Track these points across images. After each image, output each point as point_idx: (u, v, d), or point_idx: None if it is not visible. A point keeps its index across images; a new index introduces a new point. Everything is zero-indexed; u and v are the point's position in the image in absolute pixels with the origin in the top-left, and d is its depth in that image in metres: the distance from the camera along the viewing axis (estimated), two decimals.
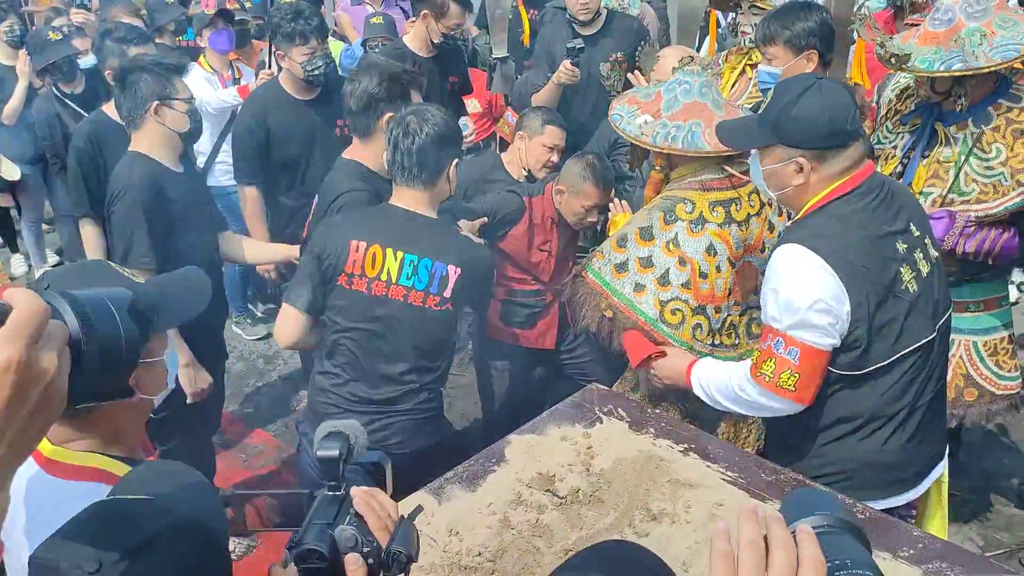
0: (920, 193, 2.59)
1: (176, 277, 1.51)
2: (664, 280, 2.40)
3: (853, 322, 1.92)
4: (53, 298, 0.84)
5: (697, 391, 2.23)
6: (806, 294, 1.90)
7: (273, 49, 3.75)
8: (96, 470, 1.32)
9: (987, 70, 2.36)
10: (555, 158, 3.33)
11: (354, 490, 1.31)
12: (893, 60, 2.46)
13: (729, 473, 1.97)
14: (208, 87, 4.52)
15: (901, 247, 1.97)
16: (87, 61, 4.61)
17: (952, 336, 2.71)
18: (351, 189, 2.69)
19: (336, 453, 1.29)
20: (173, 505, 1.04)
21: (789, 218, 2.49)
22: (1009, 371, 2.74)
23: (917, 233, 2.03)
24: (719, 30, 5.39)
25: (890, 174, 2.68)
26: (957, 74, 2.39)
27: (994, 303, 2.72)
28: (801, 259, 1.93)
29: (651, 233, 2.44)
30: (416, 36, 4.16)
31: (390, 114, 2.68)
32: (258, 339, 5.01)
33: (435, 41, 4.05)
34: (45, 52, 4.43)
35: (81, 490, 1.29)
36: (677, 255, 2.39)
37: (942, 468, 2.21)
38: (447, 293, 2.41)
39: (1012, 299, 4.58)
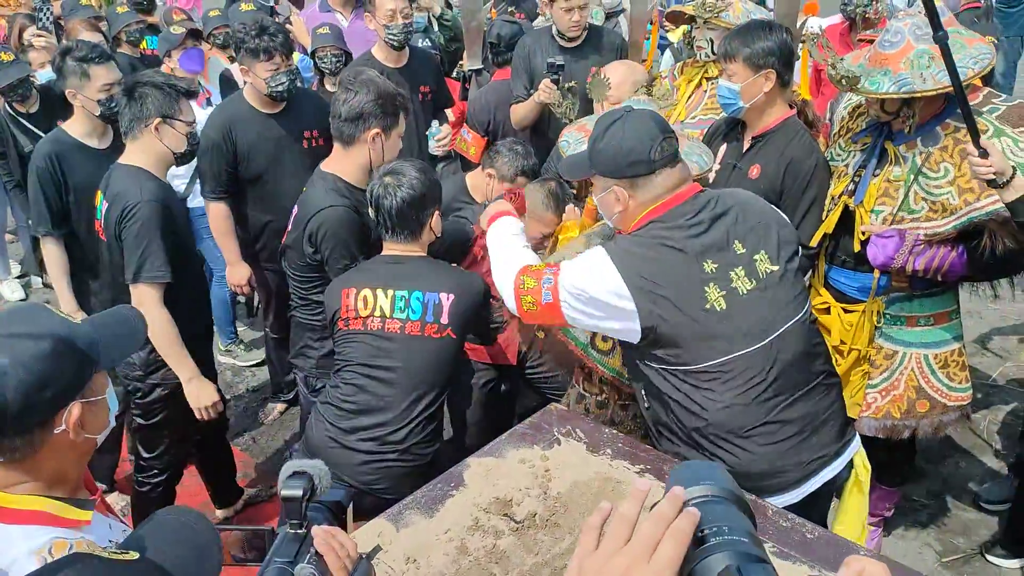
0: (871, 211, 2.65)
1: (111, 316, 1.52)
2: None
3: (645, 322, 2.02)
4: None
5: (490, 242, 2.41)
6: (583, 280, 2.07)
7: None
8: (38, 512, 1.33)
9: (933, 93, 2.42)
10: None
11: (315, 529, 1.35)
12: (843, 82, 2.51)
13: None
14: None
15: (710, 267, 2.05)
16: (44, 73, 4.57)
17: (904, 349, 2.78)
18: (331, 205, 2.76)
19: (299, 493, 1.34)
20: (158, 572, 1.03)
21: None
22: (960, 383, 2.80)
23: (742, 251, 2.09)
24: (676, 44, 5.47)
25: (842, 192, 2.74)
26: (905, 96, 2.44)
27: (944, 317, 2.77)
28: (598, 257, 2.08)
29: None
30: (381, 46, 4.16)
31: (377, 130, 2.79)
32: (255, 364, 4.95)
33: (384, 38, 4.04)
34: None
35: (23, 533, 1.30)
36: None
37: (836, 469, 2.21)
38: (444, 319, 2.54)
39: None
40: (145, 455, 3.16)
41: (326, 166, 2.91)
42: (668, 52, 5.53)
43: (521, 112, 4.08)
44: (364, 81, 2.82)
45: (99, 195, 3.01)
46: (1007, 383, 4.47)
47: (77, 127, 3.40)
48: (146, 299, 2.81)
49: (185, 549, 1.12)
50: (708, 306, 2.03)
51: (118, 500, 3.66)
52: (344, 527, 1.51)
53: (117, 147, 3.35)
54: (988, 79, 3.74)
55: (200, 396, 2.94)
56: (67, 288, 3.41)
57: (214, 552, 1.15)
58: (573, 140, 2.59)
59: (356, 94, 2.77)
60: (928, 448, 3.82)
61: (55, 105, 4.37)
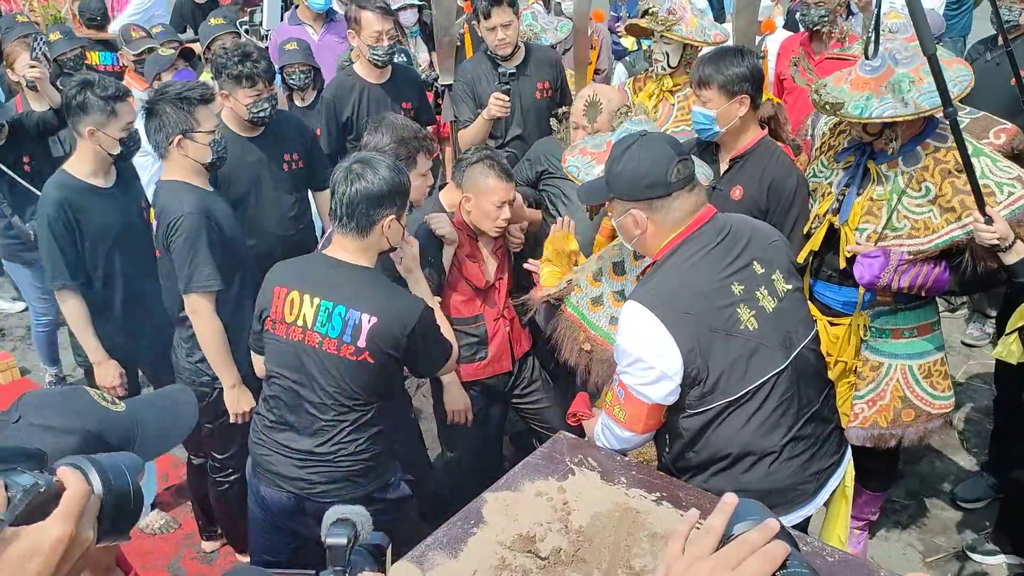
0: (856, 229, 2.73)
1: (160, 402, 1.46)
2: None
3: (689, 365, 2.08)
4: (84, 464, 0.98)
5: (598, 441, 2.38)
6: (633, 350, 2.12)
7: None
8: None
9: (915, 116, 2.50)
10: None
11: None
12: (827, 107, 2.58)
13: (702, 520, 2.04)
14: None
15: (738, 289, 2.12)
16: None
17: (889, 361, 2.88)
18: None
19: (344, 541, 1.38)
20: None
21: None
22: (942, 391, 2.90)
23: (762, 270, 2.18)
24: (629, 58, 5.54)
25: (826, 210, 2.82)
26: (888, 120, 2.52)
27: (927, 328, 2.87)
28: (637, 316, 2.12)
29: (623, 268, 2.56)
30: (362, 63, 4.15)
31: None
32: None
33: (369, 58, 4.04)
34: None
35: None
36: None
37: (841, 474, 2.34)
38: (361, 343, 2.39)
39: (977, 335, 4.87)
40: (219, 456, 3.27)
41: None
42: (621, 66, 5.58)
43: (470, 136, 4.06)
44: (381, 124, 2.93)
45: (152, 212, 3.08)
46: (970, 380, 4.64)
47: (83, 167, 3.22)
48: (199, 307, 2.93)
49: (161, 415, 1.37)
50: (742, 327, 2.10)
51: (157, 518, 3.75)
52: (384, 570, 1.53)
53: (121, 183, 3.33)
54: None
55: (240, 402, 3.06)
56: (92, 337, 3.28)
57: (186, 420, 1.42)
58: (582, 164, 2.62)
59: (373, 138, 2.90)
60: (904, 449, 3.95)
61: (23, 140, 4.22)
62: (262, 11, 4.03)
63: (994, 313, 4.95)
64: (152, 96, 2.96)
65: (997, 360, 3.47)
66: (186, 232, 2.86)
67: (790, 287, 2.21)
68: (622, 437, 2.26)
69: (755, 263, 2.16)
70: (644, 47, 4.29)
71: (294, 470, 2.50)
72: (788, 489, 2.18)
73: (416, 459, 3.23)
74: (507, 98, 3.89)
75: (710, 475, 2.20)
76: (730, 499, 1.01)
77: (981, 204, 2.41)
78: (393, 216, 2.46)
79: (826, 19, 4.56)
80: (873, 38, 2.62)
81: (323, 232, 3.90)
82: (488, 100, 3.99)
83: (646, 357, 2.09)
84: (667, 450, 2.29)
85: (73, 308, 3.25)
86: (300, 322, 2.44)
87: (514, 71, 3.92)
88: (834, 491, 2.34)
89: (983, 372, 4.68)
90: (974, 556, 3.36)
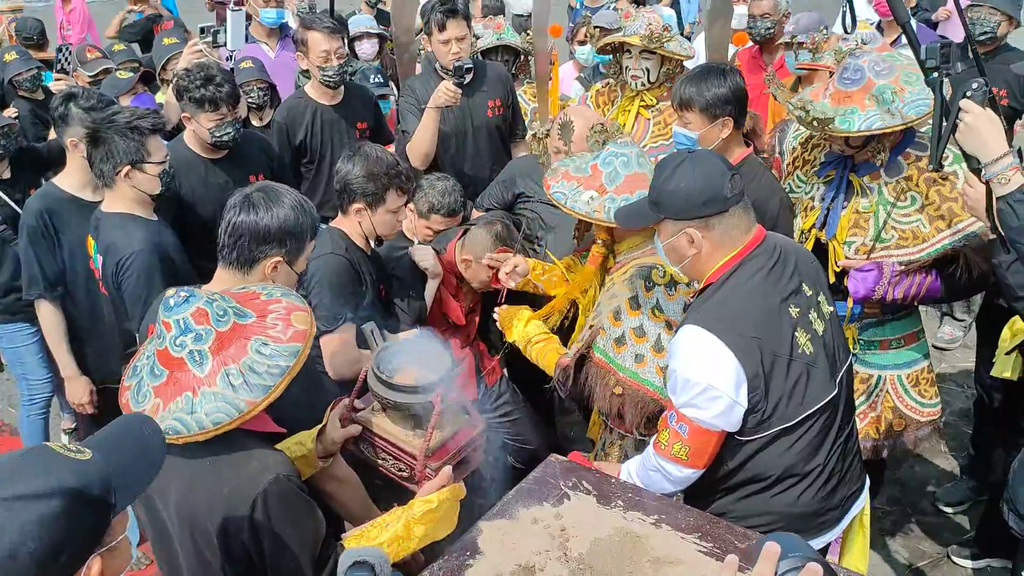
0: (844, 243, 2.72)
1: (124, 437, 1.35)
2: (658, 347, 2.44)
3: (752, 391, 2.01)
4: None
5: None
6: (700, 378, 2.01)
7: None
8: None
9: (903, 126, 2.50)
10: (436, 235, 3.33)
11: None
12: (816, 123, 2.57)
13: (704, 543, 2.00)
14: None
15: (794, 312, 2.07)
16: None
17: (879, 372, 2.88)
18: (333, 252, 2.77)
19: None
20: None
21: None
22: (930, 399, 2.91)
23: (810, 292, 2.13)
24: (582, 74, 5.53)
25: (812, 225, 2.81)
26: (877, 132, 2.52)
27: (913, 337, 2.88)
28: (699, 341, 2.02)
29: (638, 302, 2.49)
30: (315, 84, 4.05)
31: (360, 206, 2.79)
32: None
33: (320, 79, 3.94)
34: None
35: None
36: (663, 320, 2.45)
37: (862, 502, 2.33)
38: None
39: (948, 338, 4.94)
40: None
41: (334, 224, 2.95)
42: (576, 82, 5.56)
43: (419, 140, 3.86)
44: (355, 154, 2.83)
45: (90, 242, 2.90)
46: (945, 383, 4.68)
47: (71, 180, 3.22)
48: None
49: (132, 451, 1.31)
50: (800, 351, 2.04)
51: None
52: None
53: None
54: None
55: None
56: (66, 352, 3.24)
57: (157, 453, 1.35)
58: (568, 191, 2.54)
59: (344, 167, 2.81)
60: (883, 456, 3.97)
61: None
62: (225, 31, 3.90)
63: (962, 317, 5.03)
64: (98, 122, 2.81)
65: (977, 364, 3.51)
66: (138, 271, 2.73)
67: (831, 309, 2.17)
68: (680, 478, 2.16)
69: (804, 285, 2.10)
70: (610, 61, 4.25)
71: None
72: (816, 514, 2.14)
73: None
74: (458, 90, 3.75)
75: (741, 497, 2.15)
76: (773, 548, 0.99)
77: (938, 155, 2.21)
78: (280, 258, 2.22)
79: (772, 31, 4.60)
80: (849, 11, 2.63)
81: None
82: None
83: (717, 384, 1.99)
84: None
85: (47, 318, 3.22)
86: None
87: (470, 66, 3.82)
88: (852, 520, 2.30)
89: (956, 375, 4.74)
90: (959, 561, 3.38)
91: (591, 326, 2.52)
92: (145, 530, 2.02)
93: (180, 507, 1.86)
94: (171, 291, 1.84)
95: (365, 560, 1.34)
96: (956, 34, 5.01)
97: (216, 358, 1.77)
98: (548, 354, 2.66)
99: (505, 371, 3.42)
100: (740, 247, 2.06)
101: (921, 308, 3.19)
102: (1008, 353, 2.72)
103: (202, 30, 4.03)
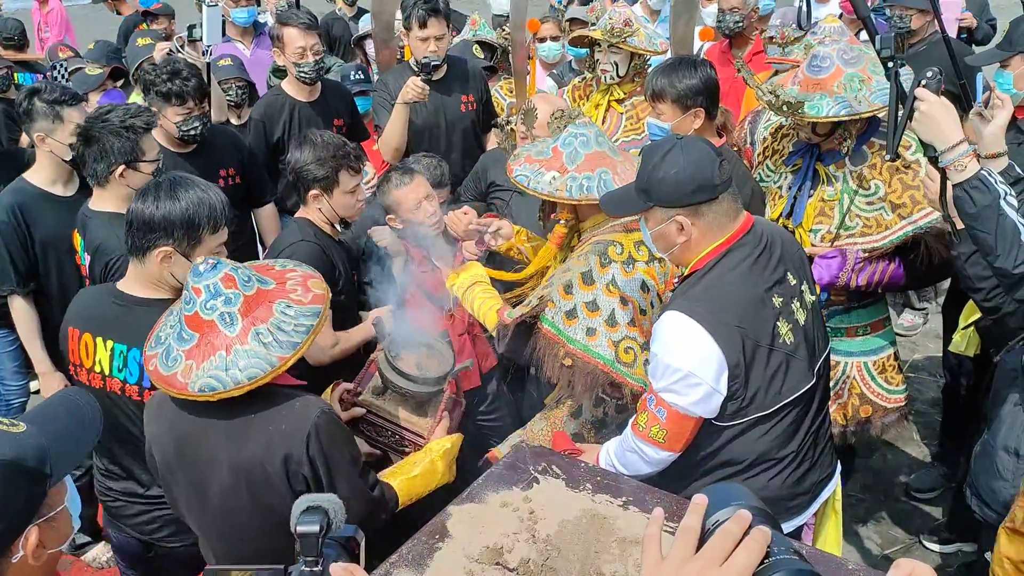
0: (810, 230, 2.76)
1: (61, 409, 1.38)
2: (612, 321, 2.46)
3: (732, 380, 2.03)
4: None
5: (612, 468, 2.32)
6: (681, 365, 2.03)
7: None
8: None
9: (870, 114, 2.54)
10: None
11: (333, 567, 1.28)
12: (785, 108, 2.60)
13: (672, 524, 2.01)
14: None
15: (777, 301, 2.08)
16: None
17: (845, 359, 2.91)
18: (303, 239, 2.83)
19: (316, 528, 1.28)
20: None
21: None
22: (896, 385, 2.95)
23: (794, 281, 2.15)
24: (556, 71, 5.54)
25: (780, 213, 2.84)
26: (845, 119, 2.55)
27: (879, 325, 2.92)
28: (682, 328, 2.03)
29: (591, 277, 2.51)
30: (291, 81, 4.06)
31: (316, 192, 2.84)
32: None
33: (296, 76, 3.95)
34: None
35: None
36: (617, 295, 2.47)
37: (832, 487, 2.36)
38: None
39: (908, 325, 5.01)
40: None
41: (299, 214, 3.01)
42: (549, 78, 5.58)
43: (390, 133, 3.88)
44: (303, 142, 2.89)
45: (76, 237, 2.91)
46: (917, 373, 4.74)
47: (41, 175, 3.20)
48: None
49: (68, 423, 1.32)
50: (781, 340, 2.05)
51: (104, 551, 3.56)
52: (358, 562, 1.44)
53: (85, 193, 3.20)
54: None
55: None
56: (40, 348, 3.20)
57: (92, 425, 1.36)
58: (530, 173, 2.56)
59: (294, 155, 2.87)
60: (855, 444, 4.02)
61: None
62: (201, 26, 3.89)
63: (921, 305, 5.12)
64: (90, 121, 2.81)
65: (945, 350, 3.56)
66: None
67: (813, 298, 2.19)
68: (657, 460, 2.18)
69: (788, 274, 2.11)
70: (585, 56, 4.27)
71: (137, 520, 2.48)
72: (785, 499, 2.16)
73: None
74: (426, 86, 3.77)
75: (713, 481, 2.17)
76: (700, 499, 0.98)
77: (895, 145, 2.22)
78: (170, 249, 2.24)
79: (741, 24, 4.63)
80: (805, 7, 2.66)
81: (264, 250, 3.83)
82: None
83: (697, 371, 2.00)
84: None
85: (20, 313, 3.19)
86: (97, 368, 2.33)
87: (437, 62, 3.85)
88: (824, 503, 2.33)
89: (928, 364, 4.80)
90: (930, 545, 3.42)
91: (540, 297, 2.54)
92: (186, 513, 2.11)
93: (235, 466, 1.96)
94: (199, 260, 1.96)
95: (319, 505, 1.31)
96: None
97: (246, 319, 1.90)
98: (489, 312, 2.66)
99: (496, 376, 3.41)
100: (728, 234, 2.07)
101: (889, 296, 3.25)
102: (965, 328, 2.75)
103: (189, 29, 4.04)
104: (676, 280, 2.65)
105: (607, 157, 2.57)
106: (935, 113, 1.98)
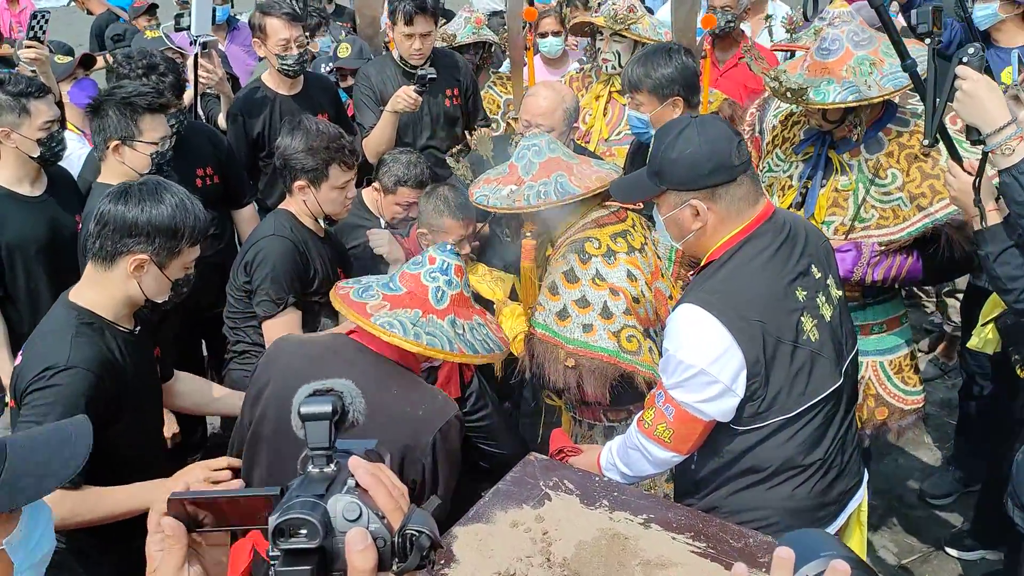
0: (823, 222, 2.61)
1: (46, 439, 1.29)
2: (606, 313, 2.37)
3: (751, 378, 1.89)
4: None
5: (610, 472, 2.18)
6: (694, 361, 1.89)
7: None
8: None
9: (881, 99, 2.40)
10: (412, 213, 3.20)
11: (353, 460, 0.93)
12: (789, 95, 2.46)
13: (697, 544, 1.86)
14: (81, 148, 3.72)
15: (801, 295, 1.95)
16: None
17: (861, 358, 2.76)
18: (275, 234, 2.72)
19: (329, 409, 0.93)
20: None
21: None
22: (914, 386, 2.81)
23: (819, 275, 2.01)
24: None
25: (790, 204, 2.69)
26: (853, 104, 2.41)
27: (895, 322, 2.78)
28: (697, 321, 1.89)
29: (575, 275, 2.42)
30: (272, 73, 3.88)
31: (302, 183, 2.72)
32: None
33: (279, 68, 3.78)
34: None
35: None
36: (606, 287, 2.38)
37: (860, 497, 2.22)
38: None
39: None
40: None
41: (282, 205, 2.90)
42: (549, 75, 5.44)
43: (375, 139, 3.70)
44: (294, 129, 2.79)
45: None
46: (926, 373, 4.61)
47: (5, 173, 2.97)
48: None
49: (52, 446, 1.27)
50: (805, 337, 1.92)
51: None
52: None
53: (53, 193, 3.07)
54: None
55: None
56: (7, 359, 2.97)
57: (80, 447, 1.30)
58: (489, 191, 2.54)
59: (283, 142, 2.77)
60: (866, 448, 3.87)
61: None
62: (190, 15, 3.71)
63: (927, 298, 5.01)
64: (102, 94, 2.81)
65: (962, 348, 3.43)
66: None
67: (840, 293, 2.05)
68: (661, 460, 2.05)
69: (813, 266, 1.97)
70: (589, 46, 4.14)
71: None
72: (813, 509, 2.02)
73: None
74: (419, 97, 3.59)
75: (734, 491, 2.03)
76: (786, 554, 0.86)
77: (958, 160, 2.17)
78: (146, 257, 2.07)
79: (732, 24, 4.51)
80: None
81: None
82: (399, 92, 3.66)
83: (710, 369, 1.86)
84: (692, 463, 2.09)
85: None
86: None
87: (435, 75, 3.66)
88: (849, 516, 2.19)
89: (936, 369, 4.67)
90: (952, 552, 3.28)
91: (530, 307, 2.51)
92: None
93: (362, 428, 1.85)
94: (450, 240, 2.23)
95: (330, 388, 0.96)
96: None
97: (452, 305, 2.06)
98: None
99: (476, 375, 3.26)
100: (747, 221, 1.92)
101: None
102: (984, 324, 2.61)
103: (176, 18, 3.88)
104: (672, 272, 2.55)
105: (562, 161, 2.54)
106: (979, 92, 1.84)
